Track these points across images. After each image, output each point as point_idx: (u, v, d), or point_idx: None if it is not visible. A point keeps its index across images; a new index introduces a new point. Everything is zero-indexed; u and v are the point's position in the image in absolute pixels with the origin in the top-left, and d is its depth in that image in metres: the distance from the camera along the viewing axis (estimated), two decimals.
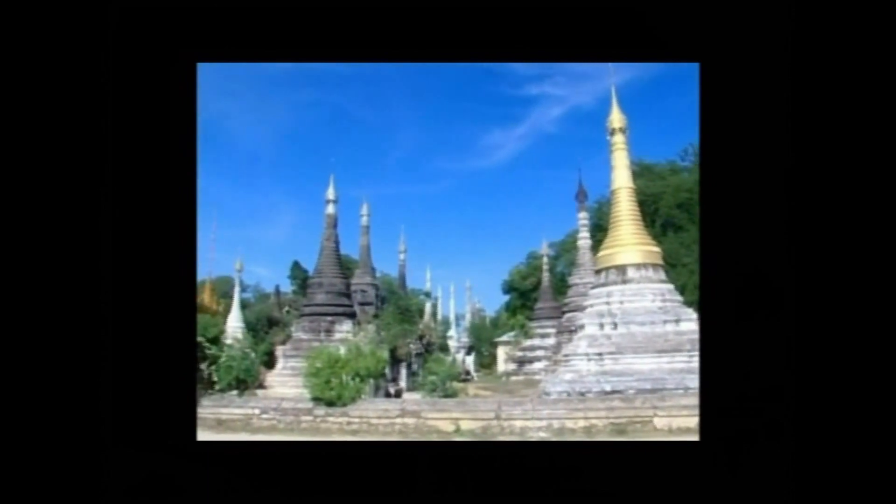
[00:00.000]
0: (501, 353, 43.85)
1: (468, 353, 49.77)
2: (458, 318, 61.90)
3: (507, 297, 58.26)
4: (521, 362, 35.28)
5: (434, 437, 12.60)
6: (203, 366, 16.97)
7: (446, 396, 17.30)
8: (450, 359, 32.22)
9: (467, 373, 40.35)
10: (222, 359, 17.97)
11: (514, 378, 33.50)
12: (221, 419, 14.88)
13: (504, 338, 44.92)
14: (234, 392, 17.17)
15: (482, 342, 50.97)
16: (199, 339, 17.34)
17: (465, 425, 12.86)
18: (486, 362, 48.44)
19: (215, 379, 17.30)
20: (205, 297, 35.56)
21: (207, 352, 17.69)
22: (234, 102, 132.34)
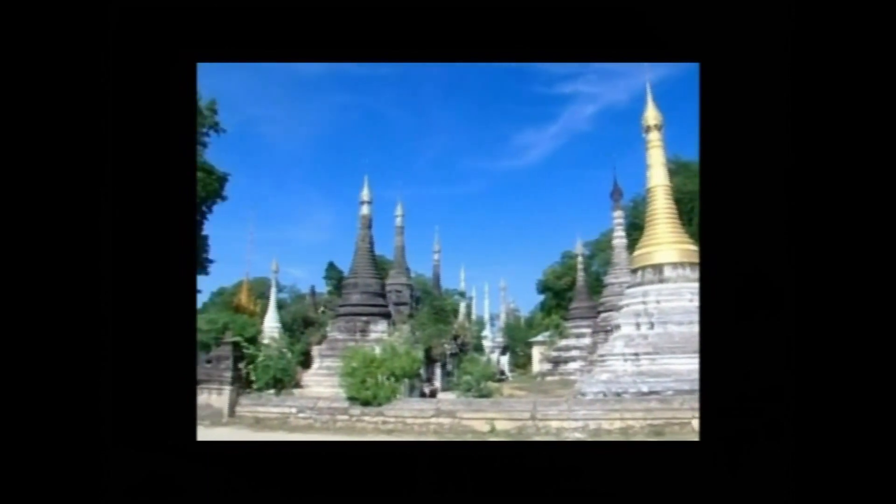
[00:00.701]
0: (536, 353, 43.94)
1: (503, 354, 49.48)
2: (493, 318, 61.41)
3: (541, 297, 57.96)
4: (556, 362, 35.11)
5: (469, 437, 12.64)
6: (241, 365, 17.25)
7: (481, 396, 17.38)
8: (484, 359, 32.13)
9: (502, 373, 40.11)
10: (259, 358, 18.20)
11: (549, 378, 33.33)
12: (259, 417, 15.07)
13: (539, 338, 44.83)
14: (272, 391, 17.45)
15: (517, 342, 50.80)
16: (237, 338, 18.12)
17: (501, 425, 12.82)
18: (521, 362, 48.17)
19: (253, 378, 17.58)
20: (242, 298, 36.14)
21: (245, 351, 18.00)
22: (271, 107, 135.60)
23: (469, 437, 12.65)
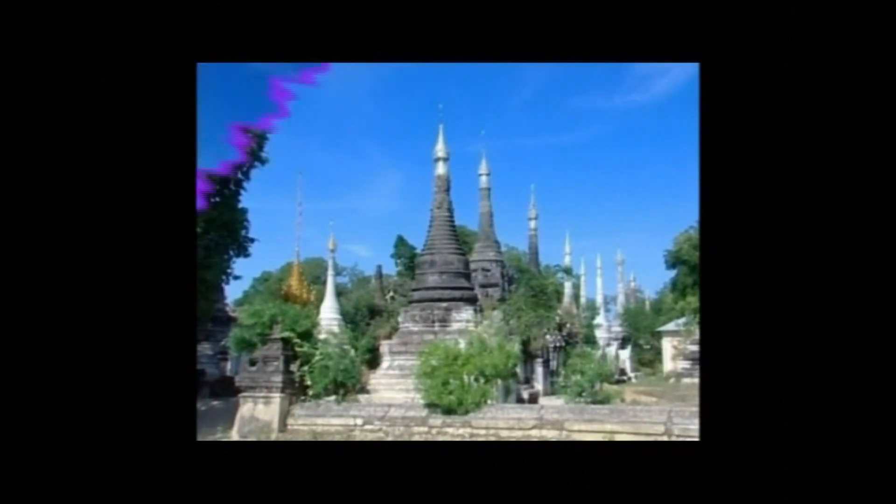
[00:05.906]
0: (668, 346, 37.25)
1: (622, 347, 41.22)
2: (608, 301, 50.12)
3: (672, 273, 44.93)
4: (696, 359, 28.19)
5: None
6: (293, 367, 14.40)
7: (596, 402, 14.86)
8: (599, 354, 27.44)
9: (622, 372, 34.74)
10: (316, 358, 14.85)
11: (686, 380, 27.83)
12: (317, 432, 12.79)
13: (670, 326, 37.63)
14: (332, 398, 14.37)
15: (641, 332, 43.01)
16: (288, 334, 14.89)
17: (624, 440, 10.54)
18: (648, 358, 41.29)
19: (308, 383, 14.41)
20: (292, 284, 30.11)
21: (298, 350, 14.85)
22: None
23: None
